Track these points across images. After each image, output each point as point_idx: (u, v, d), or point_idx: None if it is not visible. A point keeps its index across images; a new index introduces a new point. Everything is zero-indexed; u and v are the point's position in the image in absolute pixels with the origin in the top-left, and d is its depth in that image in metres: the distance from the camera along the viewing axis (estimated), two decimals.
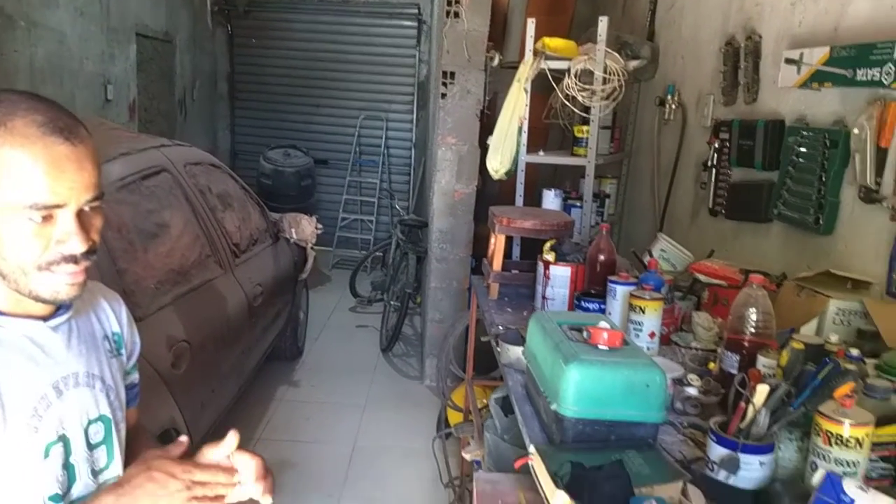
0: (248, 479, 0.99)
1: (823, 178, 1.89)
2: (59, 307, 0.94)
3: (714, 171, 2.54)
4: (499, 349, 1.96)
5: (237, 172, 3.84)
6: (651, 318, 1.76)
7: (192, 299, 2.57)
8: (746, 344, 1.50)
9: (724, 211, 2.50)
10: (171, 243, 2.58)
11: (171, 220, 2.65)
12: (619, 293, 1.89)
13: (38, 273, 0.85)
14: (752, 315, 1.51)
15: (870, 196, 1.72)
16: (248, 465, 1.00)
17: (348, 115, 7.09)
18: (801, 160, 2.00)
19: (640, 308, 1.76)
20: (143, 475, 0.87)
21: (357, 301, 5.86)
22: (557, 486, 1.16)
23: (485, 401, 2.86)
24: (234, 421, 3.48)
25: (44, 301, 0.88)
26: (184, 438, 0.96)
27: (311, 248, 4.23)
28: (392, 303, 4.99)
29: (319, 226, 4.06)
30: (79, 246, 0.85)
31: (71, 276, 0.87)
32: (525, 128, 2.94)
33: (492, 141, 2.94)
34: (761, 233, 2.28)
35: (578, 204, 3.02)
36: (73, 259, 0.86)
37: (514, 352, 1.83)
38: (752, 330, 1.50)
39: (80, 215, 0.86)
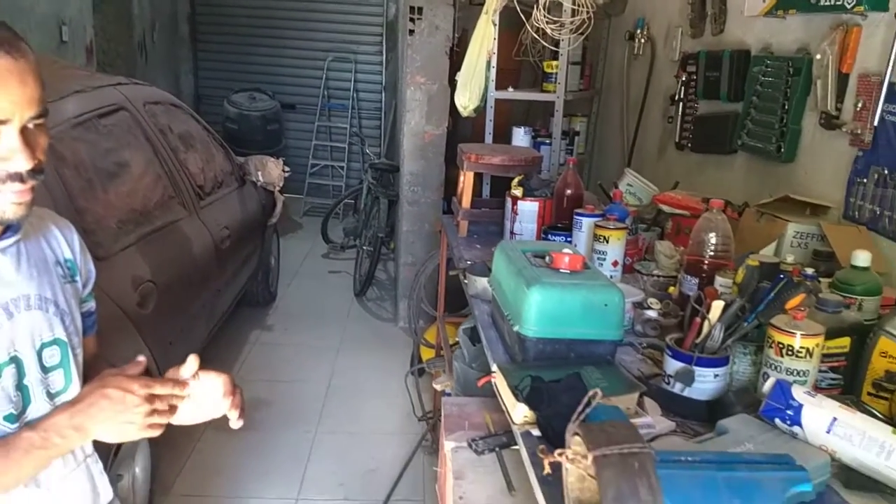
0: (217, 396, 1.01)
1: (786, 107, 1.90)
2: (7, 229, 0.93)
3: (681, 104, 2.55)
4: (466, 281, 1.97)
5: (202, 117, 3.73)
6: (615, 247, 1.79)
7: (156, 240, 2.53)
8: (705, 266, 1.54)
9: (690, 144, 2.51)
10: (131, 183, 2.52)
11: (130, 159, 2.58)
12: (585, 225, 1.90)
13: None
14: (712, 238, 1.53)
15: (830, 122, 1.74)
16: (214, 383, 1.01)
17: (315, 56, 6.89)
18: (765, 89, 2.01)
19: (605, 238, 1.78)
20: (97, 392, 0.87)
21: (329, 247, 5.84)
22: (518, 399, 1.19)
23: (456, 338, 2.91)
24: (207, 361, 3.45)
25: None
26: (141, 358, 0.95)
27: (279, 192, 4.17)
28: (365, 248, 4.98)
29: (286, 168, 3.99)
30: (24, 163, 0.83)
31: (17, 194, 0.85)
32: (494, 62, 2.89)
33: (460, 76, 2.89)
34: (725, 165, 2.31)
35: (548, 141, 3.01)
36: (19, 177, 0.84)
37: (481, 283, 1.85)
38: (711, 253, 1.53)
39: (25, 132, 0.84)
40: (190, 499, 2.58)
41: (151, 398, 0.89)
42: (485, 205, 2.53)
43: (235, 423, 1.05)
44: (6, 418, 0.87)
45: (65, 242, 1.06)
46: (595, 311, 1.32)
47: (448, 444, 1.60)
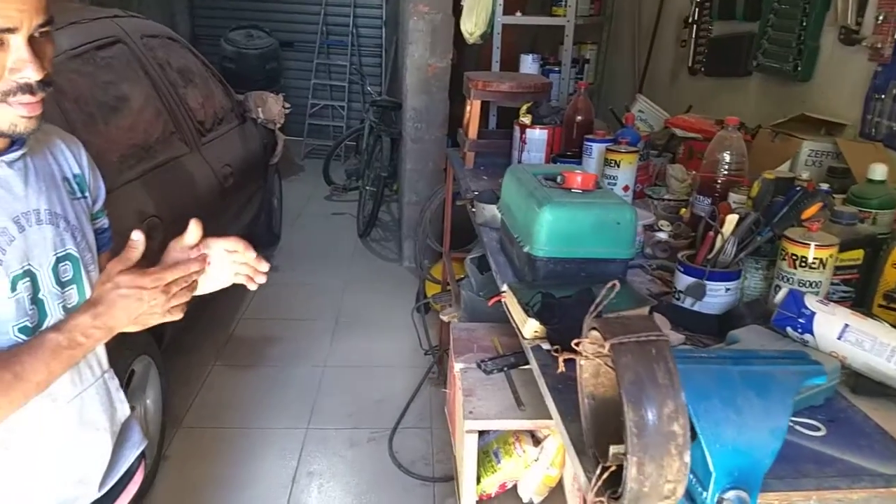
0: (226, 263, 1.02)
1: (804, 24, 1.84)
2: (12, 143, 0.91)
3: (695, 27, 2.47)
4: (474, 210, 1.96)
5: None
6: (625, 171, 1.76)
7: (159, 176, 2.51)
8: (719, 185, 1.51)
9: (703, 68, 2.45)
10: (132, 117, 2.48)
11: (130, 93, 2.53)
12: (595, 151, 1.87)
13: None
14: (726, 157, 1.51)
15: (850, 37, 1.69)
16: (227, 244, 1.02)
17: None
18: (783, 6, 1.94)
19: (615, 162, 1.76)
20: (112, 294, 0.87)
21: (332, 189, 5.80)
22: (528, 314, 1.19)
23: (461, 274, 2.92)
24: (214, 300, 3.51)
25: (1, 135, 0.85)
26: (136, 235, 0.92)
27: (280, 130, 4.11)
28: (367, 188, 4.95)
29: (287, 105, 3.92)
30: (34, 74, 0.81)
31: (27, 107, 0.83)
32: None
33: (466, 1, 2.79)
34: (740, 88, 2.25)
35: (557, 69, 2.93)
36: (30, 88, 0.82)
37: (490, 210, 1.83)
38: (725, 172, 1.51)
39: (32, 42, 0.82)
40: (201, 430, 2.64)
41: (166, 287, 0.89)
42: (491, 136, 2.49)
43: (251, 284, 1.06)
44: (21, 330, 0.87)
45: (72, 158, 1.05)
46: (607, 230, 1.30)
47: (457, 366, 1.62)
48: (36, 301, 0.90)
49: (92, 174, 1.08)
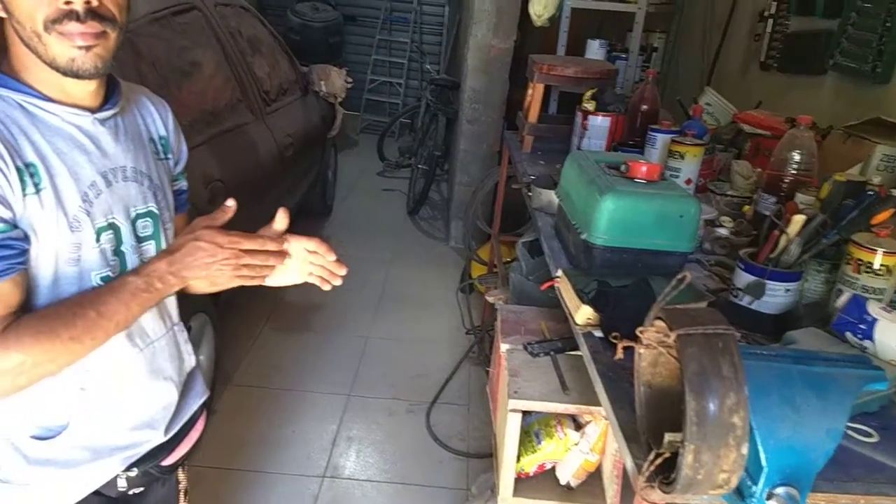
0: (303, 260, 1.06)
1: (888, 24, 1.77)
2: (105, 102, 0.95)
3: (771, 20, 2.39)
4: (530, 194, 1.97)
5: None
6: (690, 164, 1.74)
7: (225, 142, 2.59)
8: (785, 185, 1.48)
9: (776, 64, 2.38)
10: (203, 83, 2.55)
11: (202, 59, 2.61)
12: (660, 141, 1.85)
13: (48, 36, 0.84)
14: (795, 156, 1.48)
15: None
16: (309, 244, 1.06)
17: None
18: (866, 4, 1.87)
19: (680, 154, 1.73)
20: (190, 244, 0.91)
21: (384, 165, 5.86)
22: (583, 300, 1.20)
23: (508, 257, 2.93)
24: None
25: (65, 72, 0.87)
26: (230, 202, 0.97)
27: (340, 104, 4.17)
28: (420, 167, 4.98)
29: (349, 79, 3.97)
30: (77, 1, 0.82)
31: (79, 37, 0.84)
32: None
33: None
34: (813, 86, 2.19)
35: (624, 56, 2.88)
36: (76, 16, 0.83)
37: (546, 195, 1.84)
38: (794, 171, 1.48)
39: None
40: (249, 389, 2.74)
41: (240, 252, 0.92)
42: (551, 121, 2.48)
43: (325, 286, 1.10)
44: (103, 279, 0.92)
45: (159, 120, 1.09)
46: (669, 222, 1.30)
47: (504, 346, 1.64)
48: (118, 253, 0.95)
49: (176, 137, 1.13)
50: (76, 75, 0.87)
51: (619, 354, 0.78)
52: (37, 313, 0.85)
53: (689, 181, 1.74)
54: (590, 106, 2.08)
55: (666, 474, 0.71)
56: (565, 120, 2.37)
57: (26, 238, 0.84)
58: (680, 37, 3.51)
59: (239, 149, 2.72)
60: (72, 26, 0.84)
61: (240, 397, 2.68)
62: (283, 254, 0.99)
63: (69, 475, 0.95)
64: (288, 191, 3.33)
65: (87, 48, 0.86)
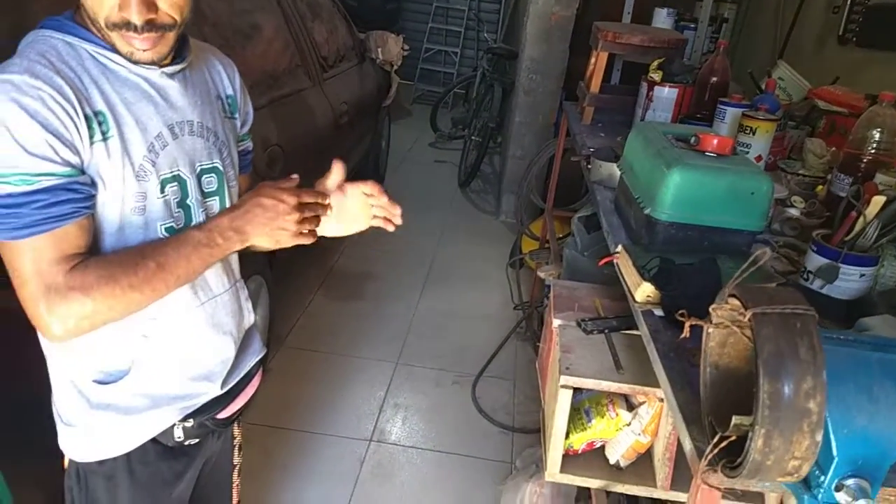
0: (361, 207, 1.11)
1: None
2: (175, 57, 0.95)
3: None
4: (589, 167, 1.92)
5: None
6: (760, 140, 1.66)
7: (283, 106, 2.61)
8: (863, 165, 1.40)
9: (855, 38, 2.24)
10: (263, 47, 2.57)
11: (263, 22, 2.62)
12: (729, 115, 1.77)
13: (108, 31, 0.86)
14: (875, 135, 1.39)
15: None
16: (365, 188, 1.11)
17: None
18: None
19: (751, 129, 1.66)
20: (252, 200, 0.92)
21: (437, 136, 5.84)
22: (644, 277, 1.16)
23: (561, 233, 2.89)
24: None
25: (125, 57, 0.89)
26: (294, 176, 0.99)
27: (395, 72, 4.15)
28: (473, 138, 4.94)
29: (406, 46, 3.94)
30: (135, 16, 0.84)
31: (139, 41, 0.87)
32: None
33: None
34: (895, 62, 2.05)
35: (692, 25, 2.75)
36: (134, 27, 0.85)
37: (607, 168, 1.79)
38: (873, 151, 1.39)
39: None
40: (300, 351, 2.80)
41: (301, 206, 0.93)
42: (614, 91, 2.40)
43: (389, 226, 1.15)
44: (167, 230, 0.94)
45: (227, 79, 1.10)
46: (739, 199, 1.24)
47: (556, 321, 1.62)
48: (182, 205, 0.96)
49: (243, 97, 1.13)
50: (134, 63, 0.90)
51: (686, 333, 0.75)
52: (103, 257, 0.87)
53: (759, 157, 1.66)
54: (656, 76, 1.99)
55: (730, 458, 0.68)
56: (628, 91, 2.29)
57: (93, 184, 0.86)
58: (752, 7, 3.34)
59: (296, 114, 2.74)
60: (129, 34, 0.86)
61: (291, 359, 2.74)
62: (328, 206, 1.01)
63: (129, 421, 0.98)
64: (341, 159, 3.35)
65: (145, 49, 0.88)
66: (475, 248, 3.94)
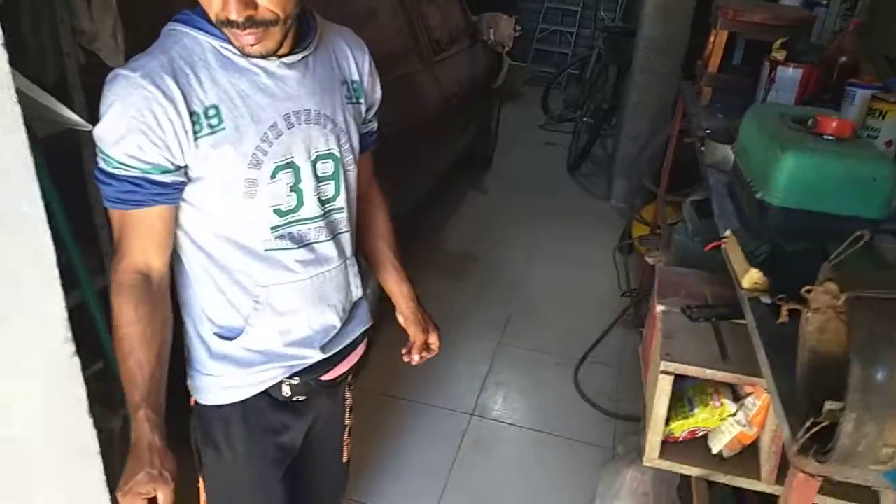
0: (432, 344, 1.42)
1: None
2: (296, 46, 0.99)
3: None
4: (703, 149, 1.86)
5: None
6: (891, 125, 1.55)
7: (393, 89, 2.68)
8: None
9: None
10: (377, 30, 2.66)
11: (378, 6, 2.71)
12: (859, 97, 1.65)
13: (220, 26, 0.91)
14: None
15: None
16: (432, 339, 1.50)
17: None
18: None
19: (881, 112, 1.54)
20: (146, 455, 0.95)
21: (547, 118, 5.78)
22: (751, 263, 1.13)
23: (672, 220, 2.80)
24: (429, 209, 3.80)
25: (238, 50, 0.93)
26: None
27: (507, 54, 4.15)
28: (585, 120, 4.85)
29: (518, 27, 3.93)
30: (233, 14, 0.86)
31: (244, 36, 0.90)
32: None
33: None
34: None
35: (823, 3, 2.55)
36: (235, 24, 0.88)
37: (722, 150, 1.73)
38: None
39: None
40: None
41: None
42: (734, 72, 2.29)
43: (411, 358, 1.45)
44: (276, 212, 1.01)
45: (354, 64, 1.11)
46: (859, 185, 1.17)
47: (659, 307, 1.60)
48: (295, 189, 1.02)
49: (371, 81, 1.15)
50: (248, 56, 0.94)
51: (783, 317, 0.74)
52: (124, 305, 0.96)
53: (889, 143, 1.54)
54: (780, 55, 1.89)
55: (823, 444, 0.67)
56: (750, 72, 2.17)
57: (182, 175, 0.94)
58: None
59: (406, 97, 2.82)
60: (234, 30, 0.90)
61: (399, 332, 2.86)
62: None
63: (243, 373, 1.08)
64: (449, 141, 3.42)
65: (252, 44, 0.91)
66: (581, 231, 3.89)
